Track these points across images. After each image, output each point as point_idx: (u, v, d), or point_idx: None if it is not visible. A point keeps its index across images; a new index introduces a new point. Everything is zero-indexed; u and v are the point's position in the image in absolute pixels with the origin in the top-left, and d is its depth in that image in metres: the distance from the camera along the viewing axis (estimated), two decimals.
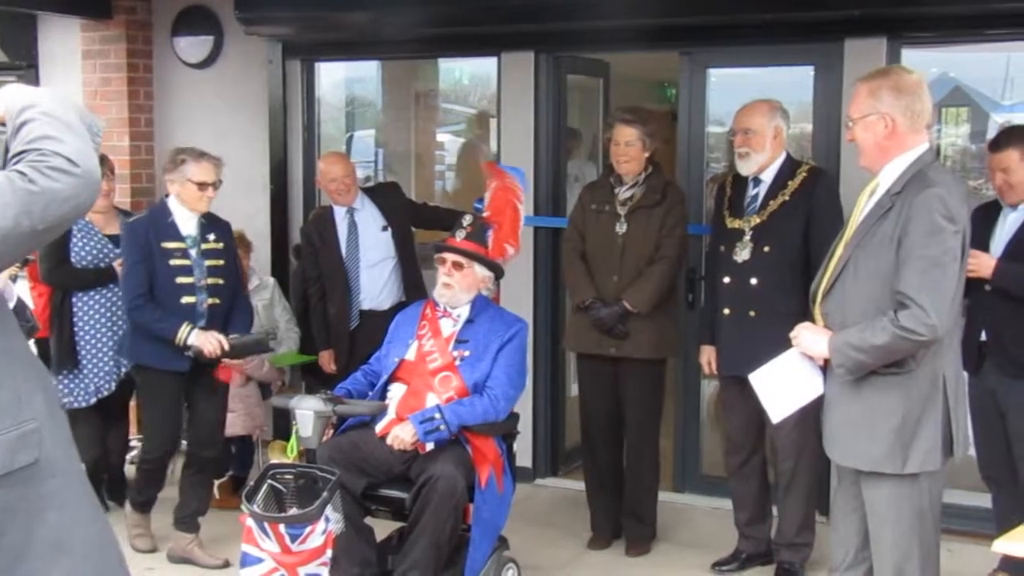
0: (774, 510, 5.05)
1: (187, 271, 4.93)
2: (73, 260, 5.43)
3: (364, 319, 5.69)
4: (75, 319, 5.50)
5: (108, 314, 5.54)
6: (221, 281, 5.02)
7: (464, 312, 4.57)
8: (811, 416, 3.81)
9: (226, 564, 5.01)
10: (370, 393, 4.54)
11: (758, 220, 4.76)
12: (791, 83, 5.90)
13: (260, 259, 6.60)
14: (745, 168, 4.82)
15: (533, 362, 5.98)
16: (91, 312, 5.52)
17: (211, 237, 5.04)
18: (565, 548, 5.35)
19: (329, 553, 3.81)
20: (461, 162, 8.68)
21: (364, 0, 6.17)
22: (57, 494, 2.25)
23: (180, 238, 4.96)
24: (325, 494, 3.75)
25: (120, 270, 5.46)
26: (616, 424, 5.27)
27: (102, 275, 5.48)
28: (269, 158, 6.80)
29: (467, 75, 8.72)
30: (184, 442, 5.39)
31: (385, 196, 5.92)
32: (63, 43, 7.26)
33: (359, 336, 5.64)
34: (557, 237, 6.09)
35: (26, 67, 7.46)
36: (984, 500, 4.86)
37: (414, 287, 5.73)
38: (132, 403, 5.77)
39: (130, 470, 6.20)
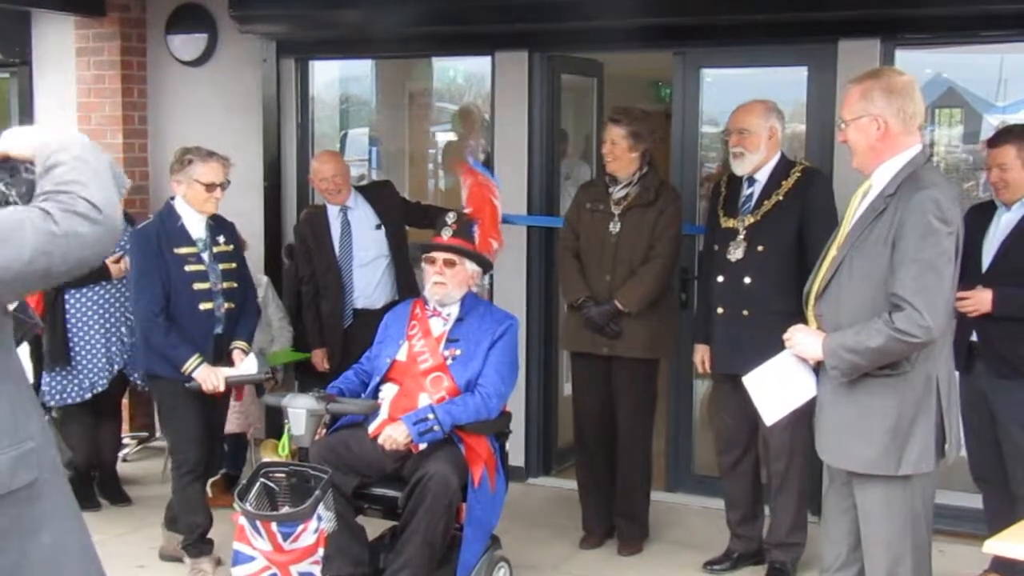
0: (766, 510, 5.05)
1: (203, 276, 4.78)
2: None
3: (357, 318, 5.69)
4: (68, 316, 5.50)
5: (101, 311, 5.53)
6: (235, 285, 4.91)
7: (454, 311, 4.56)
8: (804, 416, 3.82)
9: (218, 563, 5.00)
10: (363, 393, 4.53)
11: (752, 220, 4.76)
12: (785, 83, 5.90)
13: (254, 257, 6.57)
14: (740, 168, 4.82)
15: (526, 361, 5.99)
16: (84, 309, 5.51)
17: (221, 239, 4.90)
18: (557, 547, 5.35)
19: (321, 551, 3.82)
20: (447, 161, 8.67)
21: None
22: (50, 514, 2.24)
23: (191, 242, 4.80)
24: (317, 492, 3.75)
25: (113, 267, 5.47)
26: (609, 423, 5.26)
27: (95, 272, 5.44)
28: (263, 156, 6.78)
29: (461, 74, 8.72)
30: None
31: (378, 195, 5.92)
32: (57, 40, 7.23)
33: (352, 335, 5.64)
34: (550, 236, 6.09)
35: (19, 64, 7.43)
36: (975, 501, 4.87)
37: (408, 286, 5.72)
38: (124, 401, 5.75)
39: (122, 468, 6.21)
